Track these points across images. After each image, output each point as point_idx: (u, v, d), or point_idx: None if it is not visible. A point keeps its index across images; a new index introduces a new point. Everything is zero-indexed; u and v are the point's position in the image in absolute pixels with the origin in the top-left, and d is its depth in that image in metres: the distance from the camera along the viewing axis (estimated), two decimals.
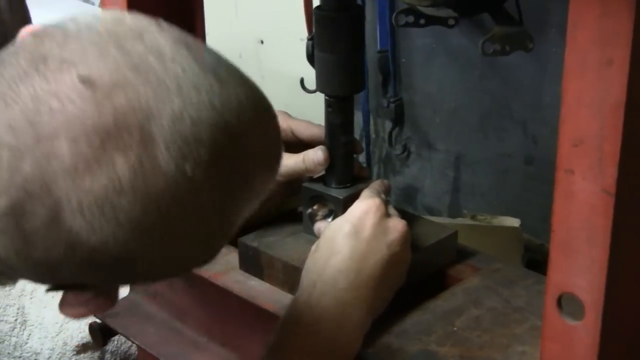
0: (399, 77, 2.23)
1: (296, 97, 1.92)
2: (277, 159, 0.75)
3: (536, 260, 1.76)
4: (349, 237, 1.03)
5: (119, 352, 1.88)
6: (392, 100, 2.26)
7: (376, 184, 1.13)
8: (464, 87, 2.10)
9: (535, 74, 1.92)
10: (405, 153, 2.32)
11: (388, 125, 2.31)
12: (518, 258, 1.75)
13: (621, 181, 0.74)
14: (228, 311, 1.19)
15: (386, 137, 2.32)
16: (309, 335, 0.99)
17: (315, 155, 1.13)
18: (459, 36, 2.01)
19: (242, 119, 0.68)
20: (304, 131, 1.18)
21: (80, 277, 0.69)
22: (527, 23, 1.67)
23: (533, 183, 2.01)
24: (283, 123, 1.16)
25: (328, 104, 1.13)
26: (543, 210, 1.94)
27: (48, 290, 0.73)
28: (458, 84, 2.11)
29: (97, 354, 1.86)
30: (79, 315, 0.75)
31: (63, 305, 0.75)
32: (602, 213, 0.75)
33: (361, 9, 1.12)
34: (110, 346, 1.86)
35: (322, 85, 1.12)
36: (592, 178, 0.75)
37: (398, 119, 2.28)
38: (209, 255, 0.74)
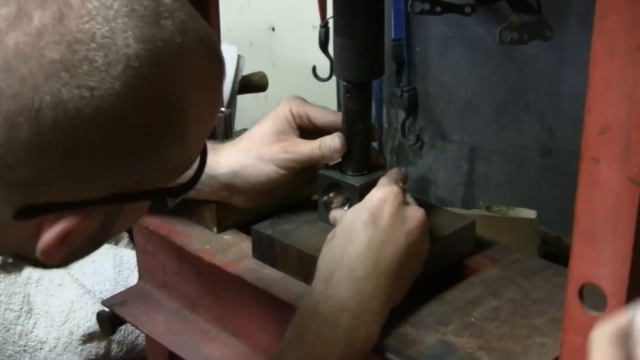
0: (413, 66, 2.22)
1: (308, 85, 1.90)
2: (214, 51, 0.76)
3: (553, 253, 1.75)
4: (366, 225, 1.02)
5: (126, 342, 1.87)
6: (405, 89, 2.24)
7: (393, 172, 1.11)
8: (480, 77, 2.08)
9: (553, 64, 1.90)
10: (419, 143, 2.30)
11: (401, 115, 2.29)
12: (534, 250, 1.73)
13: None
14: (240, 300, 1.17)
15: (399, 127, 2.31)
16: (327, 326, 0.97)
17: (332, 142, 1.11)
18: (475, 25, 2.00)
19: None
20: (321, 117, 1.16)
21: (37, 177, 0.68)
22: (546, 12, 1.65)
23: (549, 175, 1.99)
24: (299, 109, 1.15)
25: (346, 90, 1.11)
26: (559, 202, 1.93)
27: (17, 216, 0.70)
28: (474, 73, 2.09)
29: (103, 344, 1.85)
30: (57, 240, 0.72)
31: (42, 243, 0.73)
32: (627, 202, 0.74)
33: None
34: (116, 336, 1.85)
35: (340, 71, 1.10)
36: (618, 166, 0.73)
37: (411, 109, 2.26)
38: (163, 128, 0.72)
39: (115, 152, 0.69)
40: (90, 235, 0.76)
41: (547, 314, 1.02)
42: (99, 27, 0.67)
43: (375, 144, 2.19)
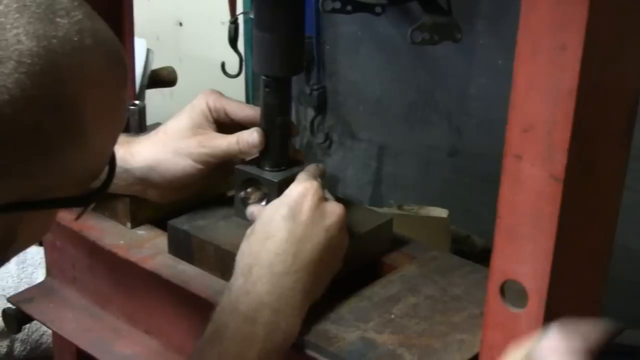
0: (322, 65, 2.22)
1: (216, 81, 1.89)
2: (114, 52, 0.73)
3: (463, 251, 1.77)
4: (285, 220, 1.01)
5: (30, 340, 1.82)
6: (315, 87, 2.24)
7: (312, 168, 1.11)
8: (390, 76, 2.10)
9: (461, 66, 1.93)
10: (327, 142, 2.31)
11: (310, 113, 2.29)
12: (446, 249, 1.75)
13: (570, 168, 0.73)
14: (154, 297, 1.15)
15: (308, 125, 2.31)
16: (247, 322, 0.96)
17: (251, 137, 1.10)
18: (385, 24, 2.01)
19: None
20: (238, 112, 1.15)
21: None
22: (455, 14, 1.67)
23: (457, 175, 2.02)
24: (216, 103, 1.14)
25: (265, 85, 1.10)
26: (466, 202, 1.96)
27: None
28: (383, 73, 2.10)
29: (5, 343, 1.80)
30: None
31: None
32: (550, 199, 0.74)
33: None
34: (20, 334, 1.80)
35: (260, 65, 1.09)
36: (541, 164, 0.74)
37: (321, 107, 2.27)
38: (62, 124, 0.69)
39: (6, 154, 0.66)
40: None
41: (465, 311, 1.03)
42: None
43: None
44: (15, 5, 0.65)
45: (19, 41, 0.65)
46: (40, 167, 0.69)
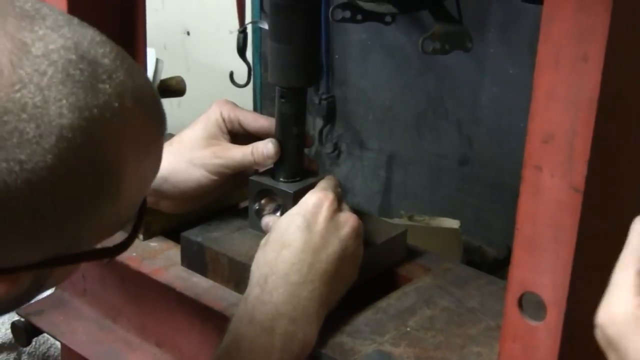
0: (332, 74, 2.22)
1: (224, 90, 1.88)
2: (152, 107, 0.73)
3: (474, 262, 1.76)
4: (301, 230, 1.01)
5: (37, 353, 1.82)
6: (324, 97, 2.24)
7: (329, 178, 1.10)
8: (399, 85, 2.09)
9: (471, 74, 1.92)
10: (336, 152, 2.30)
11: (319, 122, 2.29)
12: (457, 259, 1.74)
13: (590, 179, 0.73)
14: (166, 309, 1.14)
15: (317, 134, 2.30)
16: (264, 332, 0.96)
17: (265, 148, 1.10)
18: (395, 33, 2.01)
19: (92, 44, 0.69)
20: (252, 122, 1.14)
21: None
22: (465, 22, 1.67)
23: (467, 184, 2.01)
24: (230, 113, 1.13)
25: (281, 95, 1.09)
26: (476, 211, 1.95)
27: None
28: (393, 81, 2.10)
29: (13, 355, 1.80)
30: None
31: None
32: (570, 211, 0.74)
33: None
34: (28, 347, 1.79)
35: (276, 76, 1.08)
36: (561, 175, 0.74)
37: (330, 116, 2.26)
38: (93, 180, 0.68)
39: (44, 220, 0.66)
40: (17, 295, 0.73)
41: (481, 323, 1.02)
42: (31, 96, 0.63)
43: None
44: (59, 77, 0.65)
45: (61, 114, 0.64)
46: (74, 227, 0.69)
